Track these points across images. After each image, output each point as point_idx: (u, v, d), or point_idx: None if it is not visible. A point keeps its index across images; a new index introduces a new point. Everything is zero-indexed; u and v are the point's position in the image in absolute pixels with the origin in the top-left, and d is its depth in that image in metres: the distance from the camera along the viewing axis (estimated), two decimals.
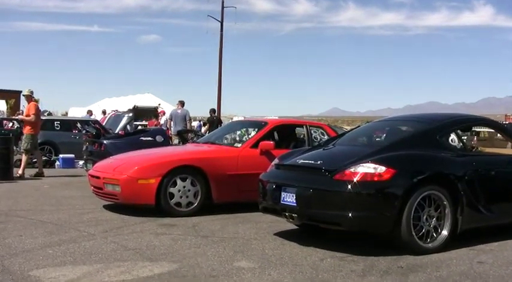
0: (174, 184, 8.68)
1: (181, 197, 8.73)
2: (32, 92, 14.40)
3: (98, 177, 8.93)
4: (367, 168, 6.26)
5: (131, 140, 13.33)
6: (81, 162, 17.85)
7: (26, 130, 14.19)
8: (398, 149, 6.68)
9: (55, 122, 20.21)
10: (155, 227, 7.81)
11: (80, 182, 13.34)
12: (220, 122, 23.59)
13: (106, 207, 9.44)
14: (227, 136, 10.81)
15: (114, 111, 25.63)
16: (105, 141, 12.76)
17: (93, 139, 13.26)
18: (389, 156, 6.45)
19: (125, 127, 21.32)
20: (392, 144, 6.91)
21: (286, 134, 10.62)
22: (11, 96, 49.68)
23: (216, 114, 23.87)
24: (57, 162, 18.15)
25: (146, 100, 46.05)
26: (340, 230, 6.51)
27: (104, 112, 26.58)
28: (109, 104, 43.07)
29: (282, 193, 6.75)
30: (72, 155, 18.33)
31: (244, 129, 11.20)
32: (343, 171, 6.32)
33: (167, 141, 13.51)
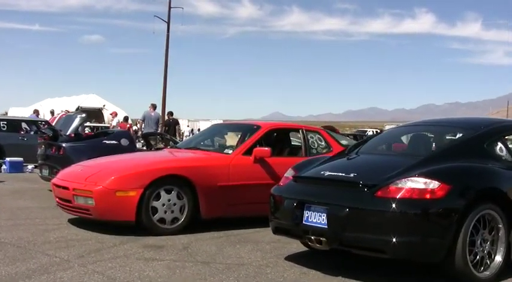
0: (158, 197, 7.40)
1: (165, 212, 7.45)
2: None
3: (65, 188, 7.54)
4: (416, 183, 5.14)
5: (93, 143, 11.89)
6: (30, 167, 16.29)
7: None
8: (443, 160, 5.58)
9: (0, 122, 18.44)
10: (140, 250, 6.51)
11: (33, 190, 11.86)
12: (177, 124, 22.53)
13: (72, 221, 8.07)
14: (209, 141, 9.55)
15: (64, 111, 23.86)
16: (64, 145, 11.29)
17: (50, 142, 11.75)
18: (440, 168, 5.34)
19: (77, 129, 19.64)
20: (436, 154, 5.84)
21: (279, 139, 9.42)
22: None
23: (173, 116, 22.65)
24: (4, 166, 16.48)
25: (91, 101, 44.44)
26: (374, 256, 5.37)
27: (53, 112, 24.80)
28: (51, 104, 41.14)
29: (305, 212, 5.57)
30: (20, 159, 16.70)
31: (232, 133, 9.90)
32: (387, 187, 5.18)
33: (133, 145, 12.09)
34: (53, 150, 11.41)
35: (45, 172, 11.64)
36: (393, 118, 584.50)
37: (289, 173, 6.26)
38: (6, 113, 34.89)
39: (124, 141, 11.85)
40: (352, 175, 5.54)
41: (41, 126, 19.70)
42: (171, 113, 22.91)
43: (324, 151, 8.85)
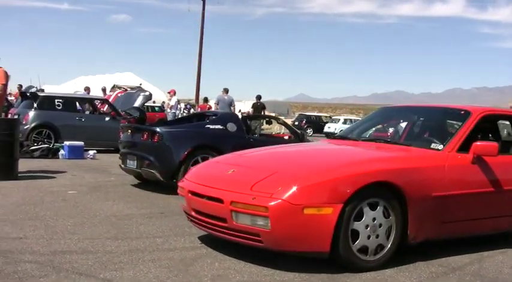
0: (359, 215, 4.82)
1: (369, 236, 4.89)
2: None
3: (216, 200, 4.96)
4: None
5: (195, 128, 9.34)
6: (91, 152, 13.86)
7: None
8: None
9: (55, 100, 15.96)
10: None
11: (114, 186, 9.39)
12: (264, 108, 21.70)
13: (212, 242, 5.56)
14: (383, 130, 6.93)
15: (121, 88, 21.38)
16: (158, 130, 8.74)
17: (139, 125, 9.22)
18: None
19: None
20: None
21: (487, 129, 6.78)
22: None
23: (260, 100, 21.96)
24: (62, 151, 14.00)
25: (126, 79, 42.35)
26: None
27: (104, 90, 22.31)
28: (85, 82, 39.05)
29: None
30: (81, 143, 14.24)
31: (429, 121, 7.05)
32: None
33: (242, 131, 9.50)
34: (145, 136, 8.86)
35: (132, 164, 9.15)
36: (419, 102, 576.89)
37: None
38: (43, 90, 32.60)
39: (231, 126, 9.32)
40: None
41: (98, 105, 17.31)
42: (259, 97, 22.17)
43: None
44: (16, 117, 13.94)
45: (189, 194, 5.34)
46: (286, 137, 10.53)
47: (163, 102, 31.13)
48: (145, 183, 9.52)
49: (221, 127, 9.19)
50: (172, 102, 22.89)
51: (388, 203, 4.98)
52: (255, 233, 4.70)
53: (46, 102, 15.56)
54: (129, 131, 9.32)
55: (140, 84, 42.96)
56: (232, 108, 20.04)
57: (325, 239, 4.65)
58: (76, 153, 13.92)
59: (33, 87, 20.54)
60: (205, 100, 25.60)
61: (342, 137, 6.78)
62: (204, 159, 8.66)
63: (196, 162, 8.63)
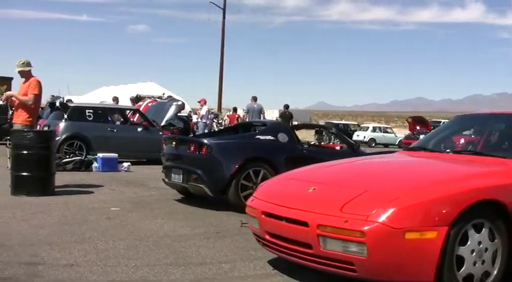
0: (464, 239, 4.17)
1: (474, 263, 4.24)
2: (28, 63, 9.44)
3: (299, 222, 4.33)
4: None
5: (245, 139, 8.75)
6: (125, 164, 13.33)
7: (20, 119, 9.36)
8: None
9: (86, 110, 15.46)
10: None
11: (158, 202, 8.84)
12: (292, 117, 21.38)
13: (282, 266, 4.95)
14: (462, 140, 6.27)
15: (152, 98, 20.90)
16: (206, 141, 8.16)
17: (185, 137, 8.66)
18: None
19: (173, 118, 16.67)
20: None
21: None
22: (3, 82, 44.88)
23: (288, 109, 21.89)
24: (95, 164, 13.48)
25: (149, 89, 41.99)
26: None
27: (133, 100, 21.84)
28: (108, 92, 38.82)
29: None
30: (114, 155, 13.70)
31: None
32: None
33: (293, 142, 8.89)
34: (192, 148, 8.27)
35: (177, 178, 8.57)
36: (440, 108, 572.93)
37: None
38: (71, 101, 32.29)
39: (282, 137, 8.72)
40: None
41: (130, 115, 16.82)
42: (286, 106, 21.83)
43: None
44: (47, 128, 13.48)
45: (263, 216, 4.72)
46: (337, 148, 9.88)
47: (191, 111, 30.64)
48: (189, 198, 8.94)
49: (272, 138, 8.59)
50: (203, 111, 22.34)
51: (493, 224, 4.34)
52: (348, 261, 4.07)
53: (77, 113, 15.10)
54: (174, 142, 8.74)
55: (163, 94, 42.70)
56: (262, 116, 19.94)
57: (429, 267, 4.02)
58: (110, 166, 13.40)
59: (61, 97, 20.13)
60: (235, 110, 25.18)
61: (422, 148, 6.10)
62: (256, 172, 8.10)
63: (248, 176, 8.06)
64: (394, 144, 37.89)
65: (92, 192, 9.61)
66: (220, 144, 8.21)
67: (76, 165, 13.22)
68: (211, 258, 5.35)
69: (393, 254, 3.98)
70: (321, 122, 53.77)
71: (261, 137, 8.56)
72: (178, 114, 17.49)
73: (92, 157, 13.75)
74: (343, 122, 51.83)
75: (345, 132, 43.17)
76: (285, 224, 4.47)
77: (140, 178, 12.11)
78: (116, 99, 20.57)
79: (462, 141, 6.57)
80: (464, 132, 6.75)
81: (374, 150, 10.46)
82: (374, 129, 41.15)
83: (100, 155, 13.51)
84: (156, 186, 10.46)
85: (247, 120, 19.19)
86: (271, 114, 42.48)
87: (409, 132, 40.27)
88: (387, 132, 41.78)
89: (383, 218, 3.97)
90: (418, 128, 39.81)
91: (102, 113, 15.88)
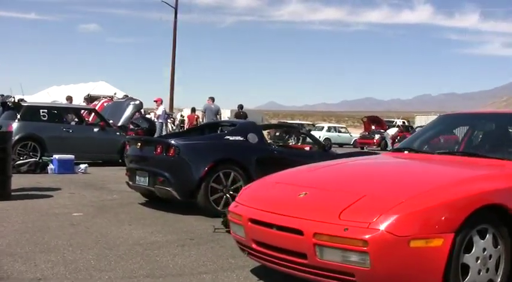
0: (469, 246, 3.92)
1: (479, 271, 3.98)
2: None
3: (293, 231, 4.00)
4: None
5: (214, 140, 8.37)
6: (82, 166, 12.80)
7: None
8: None
9: (40, 110, 14.80)
10: None
11: (122, 206, 8.41)
12: (246, 117, 20.77)
13: (265, 275, 4.61)
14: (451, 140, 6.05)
15: (106, 97, 20.27)
16: (174, 142, 7.76)
17: (149, 138, 8.24)
18: None
19: (130, 119, 16.13)
20: None
21: None
22: None
23: (243, 109, 21.84)
24: (51, 166, 12.90)
25: (101, 88, 41.21)
26: None
27: (87, 99, 21.19)
28: (58, 92, 37.89)
29: None
30: (71, 156, 13.15)
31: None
32: None
33: (263, 142, 8.57)
34: (158, 150, 7.86)
35: (143, 181, 8.14)
36: (389, 108, 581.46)
37: None
38: (23, 100, 31.22)
39: (252, 137, 8.37)
40: None
41: (85, 115, 16.23)
42: (241, 106, 21.88)
43: None
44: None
45: (250, 223, 4.37)
46: (307, 148, 9.60)
47: (145, 111, 29.98)
48: (154, 201, 8.52)
49: (242, 138, 8.24)
50: (160, 111, 21.79)
51: (496, 230, 4.10)
52: (348, 272, 3.76)
53: (30, 113, 14.45)
54: (139, 144, 8.31)
55: (115, 94, 41.84)
56: (218, 116, 20.07)
57: (435, 276, 3.75)
58: (66, 168, 12.85)
59: (11, 96, 19.34)
60: (193, 110, 24.82)
61: (409, 149, 5.82)
62: (226, 174, 7.75)
63: (217, 179, 7.69)
64: (349, 144, 37.95)
65: (51, 196, 9.10)
66: (188, 145, 7.82)
67: (31, 167, 12.63)
68: (190, 269, 4.97)
69: (397, 263, 3.69)
70: (273, 122, 53.53)
71: (230, 138, 8.20)
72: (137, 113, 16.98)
73: (47, 159, 13.19)
74: (297, 121, 51.74)
75: None
76: (275, 232, 4.13)
77: (99, 180, 11.61)
78: (69, 98, 19.87)
79: (449, 141, 6.36)
80: (450, 132, 6.54)
81: (343, 151, 10.20)
82: (329, 129, 41.15)
83: (56, 156, 12.95)
84: (117, 189, 10.02)
85: (206, 120, 19.18)
86: (224, 114, 42.11)
87: (364, 131, 40.40)
88: (342, 132, 41.84)
89: (386, 225, 3.67)
90: (373, 127, 39.98)
91: (57, 113, 15.24)
